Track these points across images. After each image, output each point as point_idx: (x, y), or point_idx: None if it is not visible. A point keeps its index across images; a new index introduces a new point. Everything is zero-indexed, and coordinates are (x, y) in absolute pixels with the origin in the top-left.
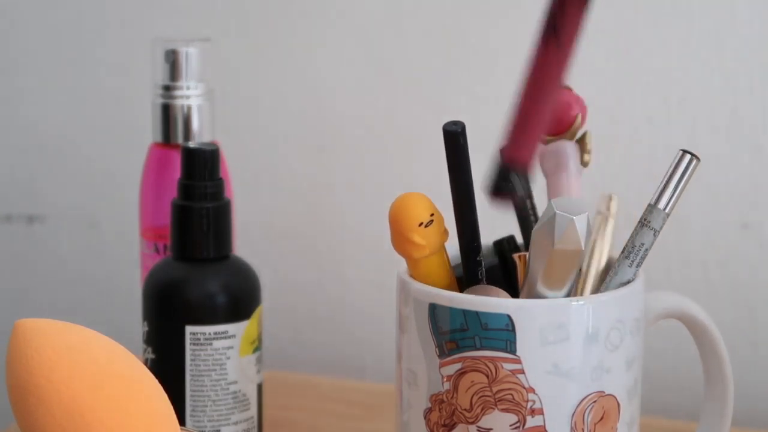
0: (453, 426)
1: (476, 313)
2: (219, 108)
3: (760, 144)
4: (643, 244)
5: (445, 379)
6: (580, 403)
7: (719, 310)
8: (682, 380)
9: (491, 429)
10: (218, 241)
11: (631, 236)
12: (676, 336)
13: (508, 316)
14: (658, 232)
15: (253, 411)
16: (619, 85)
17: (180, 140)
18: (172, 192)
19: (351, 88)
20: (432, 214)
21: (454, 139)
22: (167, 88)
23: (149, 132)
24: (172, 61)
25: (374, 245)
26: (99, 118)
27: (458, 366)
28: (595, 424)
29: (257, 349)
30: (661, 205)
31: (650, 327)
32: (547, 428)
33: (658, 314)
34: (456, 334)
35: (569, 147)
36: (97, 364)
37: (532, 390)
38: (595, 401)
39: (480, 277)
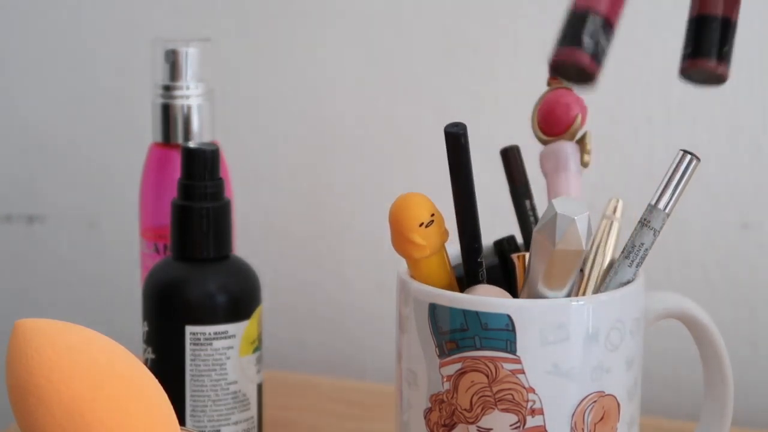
0: (453, 426)
1: (476, 313)
2: (219, 108)
3: (760, 144)
4: (643, 244)
5: (445, 379)
6: (580, 403)
7: (719, 310)
8: (682, 380)
9: (491, 429)
10: (218, 241)
11: (631, 236)
12: (676, 336)
13: (508, 316)
14: (658, 232)
15: (253, 411)
16: (619, 85)
17: (180, 140)
18: (172, 192)
19: (351, 88)
20: (432, 215)
21: (456, 140)
22: (167, 88)
23: (149, 132)
24: (172, 61)
25: (374, 245)
26: (99, 118)
27: (458, 366)
28: (595, 424)
29: (257, 349)
30: (661, 206)
31: (650, 327)
32: (547, 428)
33: (658, 314)
34: (456, 334)
35: (569, 147)
36: (97, 364)
37: (532, 390)
38: (595, 401)
39: (480, 279)
